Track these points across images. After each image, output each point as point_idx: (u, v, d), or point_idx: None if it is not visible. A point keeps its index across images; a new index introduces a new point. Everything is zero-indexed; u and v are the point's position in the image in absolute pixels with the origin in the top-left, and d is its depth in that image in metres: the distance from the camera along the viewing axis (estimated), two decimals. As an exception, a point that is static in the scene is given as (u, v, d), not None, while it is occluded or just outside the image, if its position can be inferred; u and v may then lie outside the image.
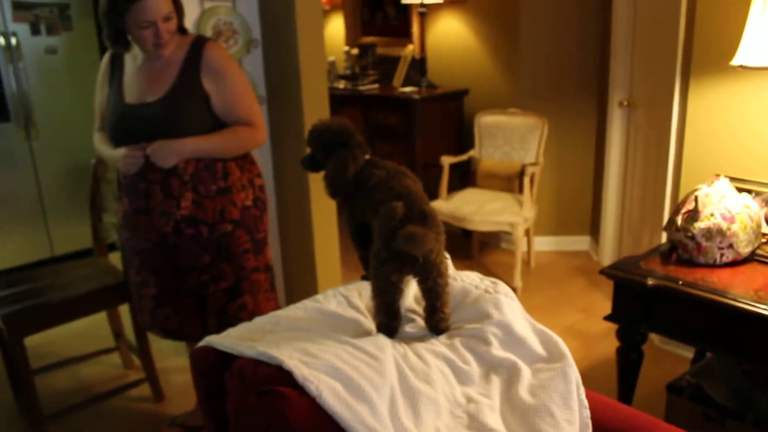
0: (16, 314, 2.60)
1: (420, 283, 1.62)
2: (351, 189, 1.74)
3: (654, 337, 3.26)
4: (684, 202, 2.37)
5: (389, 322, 1.61)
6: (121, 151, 2.24)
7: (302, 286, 3.26)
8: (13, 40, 4.24)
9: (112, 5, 2.10)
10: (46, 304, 2.67)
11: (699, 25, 2.83)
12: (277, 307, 2.52)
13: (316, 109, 3.05)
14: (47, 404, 2.87)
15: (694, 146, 2.97)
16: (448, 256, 1.95)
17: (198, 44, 2.25)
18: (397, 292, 1.60)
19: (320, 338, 1.49)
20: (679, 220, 2.34)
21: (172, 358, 3.37)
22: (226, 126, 2.30)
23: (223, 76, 2.25)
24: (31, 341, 2.67)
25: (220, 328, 2.30)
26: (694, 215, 2.28)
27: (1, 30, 4.20)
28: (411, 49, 4.74)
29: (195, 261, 2.30)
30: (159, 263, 2.32)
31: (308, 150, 1.82)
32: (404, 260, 1.53)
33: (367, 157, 1.78)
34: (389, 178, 1.66)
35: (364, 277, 1.83)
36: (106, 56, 2.39)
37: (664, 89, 3.20)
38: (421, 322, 1.69)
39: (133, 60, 2.30)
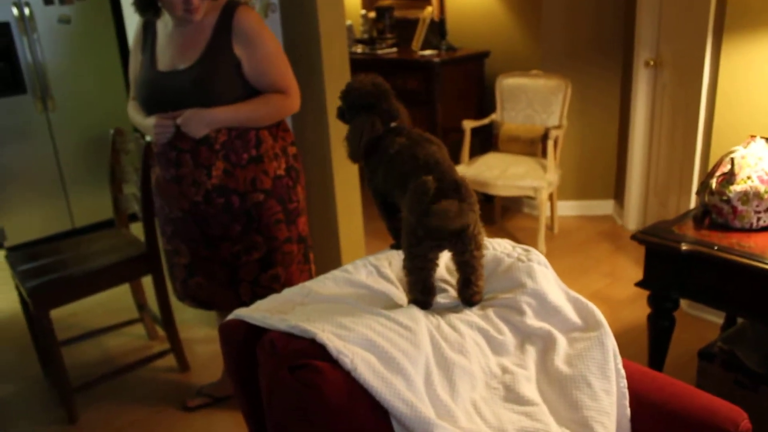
0: (42, 287, 2.59)
1: (455, 255, 1.56)
2: (369, 156, 1.69)
3: (682, 303, 3.21)
4: (718, 164, 2.30)
5: (424, 298, 1.56)
6: (152, 120, 2.21)
7: (326, 256, 3.24)
8: (27, 11, 4.19)
9: None
10: (71, 276, 2.66)
11: (733, -20, 2.73)
12: (311, 278, 2.50)
13: (336, 75, 2.98)
14: (73, 376, 2.89)
15: (726, 106, 2.88)
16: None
17: (229, 9, 2.20)
18: (432, 267, 1.55)
19: (352, 310, 1.46)
20: (714, 183, 2.27)
21: (196, 328, 3.37)
22: (258, 93, 2.25)
23: (255, 41, 2.19)
24: (55, 313, 2.67)
25: (252, 299, 2.30)
26: (729, 178, 2.21)
27: (14, 0, 4.15)
28: (430, 11, 4.63)
29: (226, 231, 2.28)
30: (191, 232, 2.30)
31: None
32: (442, 236, 1.48)
33: (393, 124, 1.71)
34: (412, 146, 1.60)
35: (394, 246, 1.79)
36: (139, 23, 2.34)
37: (695, 48, 3.09)
38: (453, 292, 1.65)
39: (164, 27, 2.26)
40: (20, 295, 2.88)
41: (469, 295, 1.59)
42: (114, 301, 3.61)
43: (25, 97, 4.32)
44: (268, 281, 2.37)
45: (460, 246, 1.51)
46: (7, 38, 4.17)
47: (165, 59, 2.23)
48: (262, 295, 2.29)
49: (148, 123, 2.24)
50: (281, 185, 2.33)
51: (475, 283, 1.58)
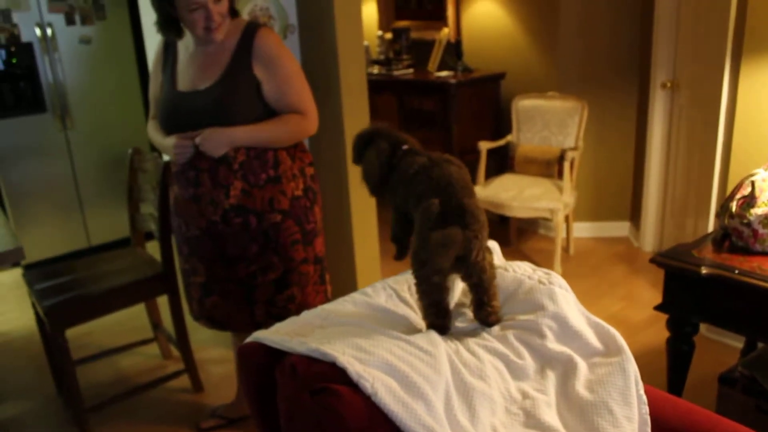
0: (58, 306, 2.60)
1: (464, 279, 1.56)
2: (386, 181, 1.70)
3: (701, 326, 3.17)
4: (739, 187, 2.28)
5: (440, 321, 1.55)
6: (171, 140, 2.22)
7: (342, 276, 3.23)
8: (49, 31, 4.25)
9: None
10: (87, 296, 2.67)
11: (752, 1, 2.72)
12: (327, 299, 2.49)
13: (354, 95, 2.99)
14: (87, 396, 2.88)
15: (745, 129, 2.87)
16: (496, 246, 1.90)
17: (250, 30, 2.22)
18: (442, 291, 1.53)
19: (372, 334, 1.45)
20: (734, 206, 2.25)
21: (210, 348, 3.37)
22: (277, 114, 2.26)
23: (275, 62, 2.21)
24: (71, 332, 2.68)
25: (267, 319, 2.29)
26: (750, 201, 2.19)
27: (38, 21, 4.21)
28: (446, 33, 4.66)
29: (243, 251, 2.28)
30: (208, 251, 2.31)
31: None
32: (440, 263, 1.47)
33: (405, 147, 1.72)
34: (431, 166, 1.59)
35: (397, 258, 1.80)
36: (159, 44, 2.36)
37: (713, 69, 3.08)
38: (470, 314, 1.64)
39: (185, 48, 2.28)
40: (37, 313, 2.89)
41: (484, 315, 1.58)
42: (129, 320, 3.62)
43: (45, 116, 4.37)
44: (284, 302, 2.36)
45: (464, 271, 1.52)
46: (29, 58, 4.23)
47: (185, 79, 2.24)
48: (278, 316, 2.29)
49: (167, 143, 2.25)
50: (299, 206, 2.33)
51: (488, 303, 1.57)
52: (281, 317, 2.25)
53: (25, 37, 4.19)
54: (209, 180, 2.22)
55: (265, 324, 2.29)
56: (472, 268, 1.51)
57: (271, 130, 2.22)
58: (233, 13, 2.23)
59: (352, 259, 3.16)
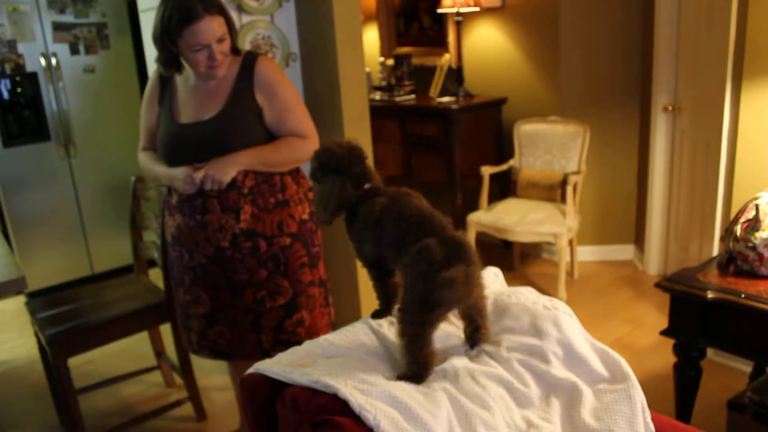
0: (61, 335, 2.59)
1: (462, 312, 1.54)
2: (351, 224, 1.64)
3: (708, 350, 3.14)
4: (743, 210, 2.27)
5: (422, 371, 1.47)
6: (178, 171, 2.20)
7: (345, 300, 3.22)
8: (54, 61, 4.29)
9: (165, 30, 2.08)
10: (90, 324, 2.66)
11: (752, 25, 2.73)
12: (331, 322, 2.50)
13: (356, 122, 3.01)
14: (90, 425, 2.86)
15: (747, 151, 2.87)
16: (499, 271, 1.89)
17: (249, 59, 2.25)
18: (432, 338, 1.47)
19: (374, 365, 1.44)
20: (738, 229, 2.24)
21: (214, 376, 3.34)
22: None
23: (275, 89, 2.24)
24: (73, 360, 2.67)
25: (275, 346, 2.30)
26: (755, 224, 2.18)
27: (42, 51, 4.25)
28: (447, 59, 4.69)
29: (251, 276, 2.27)
30: (214, 279, 2.29)
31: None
32: (452, 304, 1.43)
33: (368, 186, 1.66)
34: (395, 204, 1.55)
35: (376, 314, 1.70)
36: (154, 76, 2.36)
37: (714, 93, 3.09)
38: (459, 332, 1.62)
39: (184, 80, 2.28)
40: (39, 341, 2.88)
41: (476, 338, 1.58)
42: (132, 348, 3.60)
43: (49, 144, 4.39)
44: (293, 326, 2.34)
45: (467, 306, 1.49)
46: (34, 87, 4.26)
47: (188, 112, 2.25)
48: (286, 342, 2.29)
49: (174, 173, 2.22)
50: (306, 229, 2.35)
51: (483, 326, 1.57)
52: (290, 343, 2.25)
53: (30, 67, 4.23)
54: (218, 206, 2.22)
55: (273, 351, 2.30)
56: (477, 301, 1.48)
57: (274, 152, 2.24)
58: (235, 51, 2.24)
59: (355, 282, 3.15)
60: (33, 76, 4.25)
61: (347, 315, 3.20)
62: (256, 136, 2.23)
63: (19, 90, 4.23)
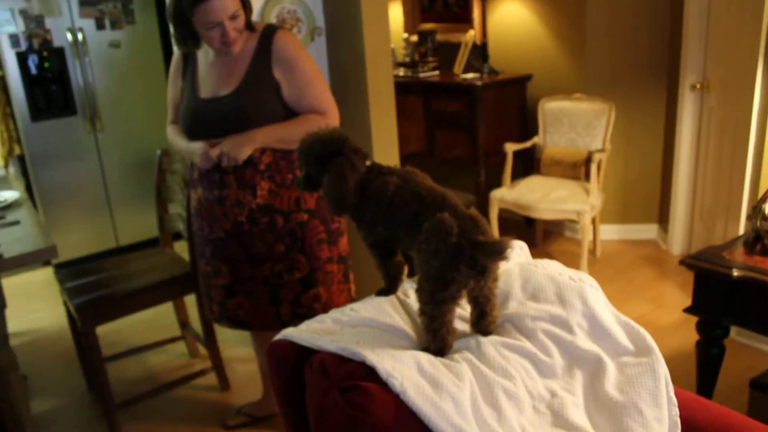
0: (89, 304, 2.64)
1: (473, 290, 1.48)
2: (356, 202, 1.57)
3: (732, 330, 3.12)
4: (771, 188, 2.25)
5: (444, 348, 1.47)
6: (196, 145, 2.23)
7: (366, 275, 3.23)
8: (80, 36, 4.33)
9: (178, 8, 2.10)
10: (116, 294, 2.71)
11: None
12: (351, 298, 2.50)
13: (381, 98, 3.00)
14: (117, 392, 2.92)
15: (777, 130, 2.83)
16: (523, 244, 1.89)
17: (268, 34, 2.22)
18: (455, 309, 1.48)
19: (398, 334, 1.46)
20: (767, 208, 2.22)
21: (237, 347, 3.39)
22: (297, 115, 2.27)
23: (293, 64, 2.21)
24: (101, 330, 2.72)
25: (293, 318, 2.31)
26: (783, 203, 2.16)
27: (69, 26, 4.28)
28: (472, 35, 4.65)
29: (269, 250, 2.29)
30: (233, 252, 2.32)
31: (301, 171, 1.66)
32: (470, 276, 1.41)
33: (368, 163, 1.61)
34: (407, 183, 1.53)
35: (382, 292, 1.67)
36: (178, 50, 2.37)
37: (745, 70, 3.04)
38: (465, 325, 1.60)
39: (205, 54, 2.29)
40: (68, 310, 2.94)
41: (485, 325, 1.54)
42: (157, 319, 3.66)
43: (76, 119, 4.44)
44: (310, 301, 2.37)
45: (483, 280, 1.45)
46: (61, 62, 4.31)
47: (207, 87, 2.26)
48: (303, 315, 2.30)
49: (193, 147, 2.25)
50: (324, 205, 2.33)
51: (490, 313, 1.53)
52: (307, 316, 2.25)
53: (56, 42, 4.27)
54: (235, 181, 2.24)
55: (291, 323, 2.31)
56: (488, 279, 1.47)
57: (291, 129, 2.21)
58: (249, 27, 2.22)
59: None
60: (60, 51, 4.29)
61: (370, 290, 3.21)
62: (274, 112, 2.21)
63: (46, 65, 4.28)
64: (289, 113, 2.25)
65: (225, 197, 2.26)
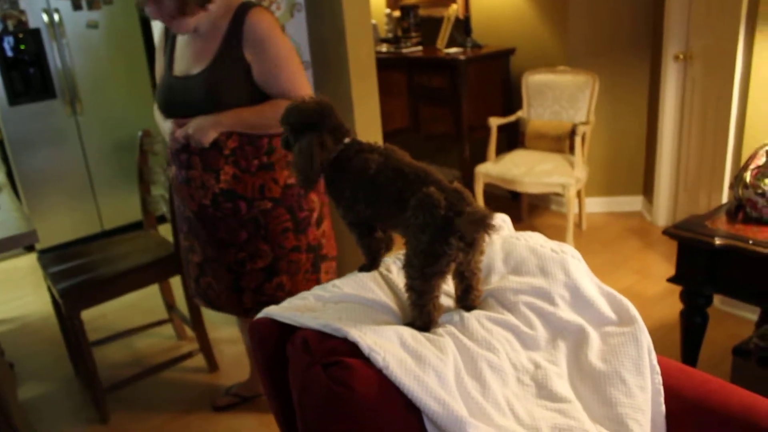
0: (73, 288, 2.63)
1: (460, 265, 1.48)
2: (333, 179, 1.57)
3: (715, 299, 3.15)
4: (753, 157, 2.25)
5: (429, 323, 1.47)
6: (166, 124, 2.22)
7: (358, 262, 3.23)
8: (56, 17, 4.25)
9: None
10: (101, 278, 2.69)
11: (765, -31, 2.67)
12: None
13: (362, 74, 2.98)
14: (104, 376, 2.92)
15: (759, 99, 2.83)
16: (506, 217, 1.89)
17: (241, 12, 2.14)
18: (439, 287, 1.46)
19: (380, 309, 1.45)
20: (748, 176, 2.22)
21: (224, 329, 3.39)
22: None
23: (264, 45, 2.10)
24: (86, 315, 2.71)
25: (255, 306, 2.28)
26: (764, 171, 2.17)
27: (44, 7, 4.21)
28: (454, 9, 4.61)
29: (232, 236, 2.25)
30: (200, 233, 2.30)
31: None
32: (459, 249, 1.39)
33: (347, 140, 1.58)
34: (389, 161, 1.50)
35: (362, 269, 1.66)
36: (162, 26, 2.32)
37: (727, 40, 3.04)
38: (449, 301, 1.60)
39: None
40: (52, 296, 2.92)
41: (470, 300, 1.53)
42: (143, 302, 3.65)
43: (55, 102, 4.38)
44: (273, 290, 2.32)
45: (471, 253, 1.44)
46: (37, 44, 4.24)
47: (181, 64, 2.21)
48: (266, 303, 2.24)
49: (165, 127, 2.25)
50: (291, 194, 2.26)
51: (476, 287, 1.52)
52: (270, 304, 2.25)
53: (32, 23, 4.20)
54: (200, 163, 2.19)
55: (254, 311, 2.28)
56: (476, 249, 1.45)
57: (258, 115, 2.14)
58: (181, 11, 2.08)
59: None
60: (36, 33, 4.22)
61: (353, 267, 3.21)
62: (244, 93, 2.13)
63: (22, 47, 4.21)
64: (260, 96, 2.16)
65: (191, 178, 2.22)
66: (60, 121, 4.43)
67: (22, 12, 4.15)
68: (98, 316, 3.57)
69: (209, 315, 3.23)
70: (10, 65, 4.19)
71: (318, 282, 2.39)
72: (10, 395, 2.36)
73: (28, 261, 4.58)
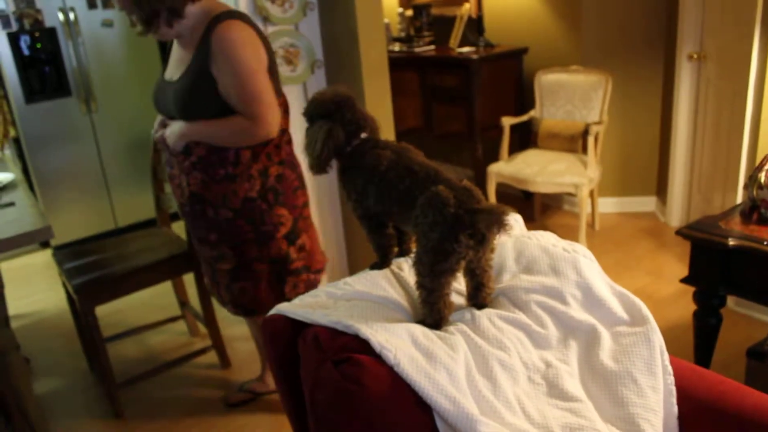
0: (88, 284, 2.65)
1: (471, 262, 1.48)
2: (350, 176, 1.60)
3: (729, 300, 3.13)
4: (767, 157, 2.24)
5: (441, 321, 1.47)
6: (156, 123, 2.38)
7: (359, 267, 3.24)
8: (72, 15, 4.29)
9: None
10: (115, 274, 2.71)
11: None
12: (285, 299, 2.38)
13: (375, 73, 2.98)
14: (118, 372, 2.94)
15: (774, 99, 2.81)
16: (518, 216, 1.88)
17: (211, 25, 2.07)
18: (449, 285, 1.47)
19: (392, 307, 1.46)
20: (763, 176, 2.21)
21: (236, 325, 3.41)
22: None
23: (228, 61, 2.04)
24: (100, 311, 2.73)
25: (231, 301, 2.41)
26: (779, 171, 2.15)
27: (60, 6, 4.24)
28: (467, 8, 4.61)
29: (205, 235, 2.34)
30: (187, 227, 2.46)
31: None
32: (469, 246, 1.39)
33: (364, 135, 1.61)
34: (401, 158, 1.52)
35: (375, 266, 1.67)
36: None
37: (742, 40, 3.02)
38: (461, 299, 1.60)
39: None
40: (67, 291, 2.94)
41: (481, 298, 1.54)
42: (156, 299, 3.67)
43: (70, 100, 4.42)
44: (237, 292, 2.39)
45: (481, 251, 1.45)
46: (53, 43, 4.27)
47: (170, 68, 2.28)
48: (232, 302, 2.42)
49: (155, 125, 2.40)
50: (250, 207, 2.25)
51: (487, 285, 1.53)
52: (238, 305, 2.39)
53: (48, 22, 4.23)
54: (177, 165, 2.29)
55: (230, 306, 2.44)
56: (486, 250, 1.46)
57: (216, 129, 2.13)
58: (147, 26, 2.11)
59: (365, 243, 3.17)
60: (52, 32, 4.26)
61: (364, 265, 3.22)
62: (212, 106, 2.11)
63: (38, 46, 4.24)
64: (229, 109, 2.13)
65: (173, 177, 2.34)
66: (75, 119, 4.47)
67: (38, 11, 4.19)
68: (113, 312, 3.60)
69: (222, 312, 3.24)
70: (27, 64, 4.23)
71: (283, 294, 2.39)
72: (27, 389, 2.38)
73: (44, 257, 4.62)
